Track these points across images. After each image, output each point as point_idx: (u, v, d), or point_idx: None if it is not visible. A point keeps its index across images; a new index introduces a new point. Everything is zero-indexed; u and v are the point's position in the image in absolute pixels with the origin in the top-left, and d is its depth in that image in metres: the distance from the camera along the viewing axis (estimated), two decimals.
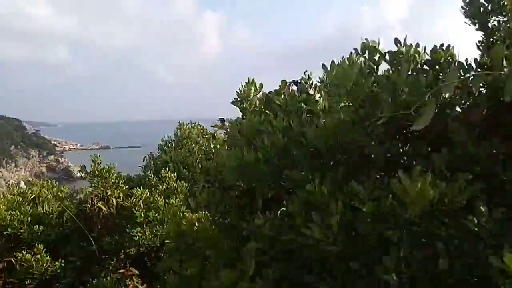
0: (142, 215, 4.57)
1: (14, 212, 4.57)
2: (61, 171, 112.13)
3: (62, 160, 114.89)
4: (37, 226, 4.60)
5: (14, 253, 4.32)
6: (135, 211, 4.59)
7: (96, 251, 4.57)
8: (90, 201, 4.69)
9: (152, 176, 5.32)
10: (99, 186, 4.80)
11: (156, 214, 4.62)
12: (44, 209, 4.86)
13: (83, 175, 5.05)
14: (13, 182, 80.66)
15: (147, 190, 4.87)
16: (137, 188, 4.86)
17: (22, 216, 4.58)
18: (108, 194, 4.72)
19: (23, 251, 4.25)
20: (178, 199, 4.82)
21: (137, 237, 4.47)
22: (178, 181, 5.17)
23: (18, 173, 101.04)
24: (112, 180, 4.84)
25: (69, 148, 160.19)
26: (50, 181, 5.80)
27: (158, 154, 6.59)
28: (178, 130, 6.75)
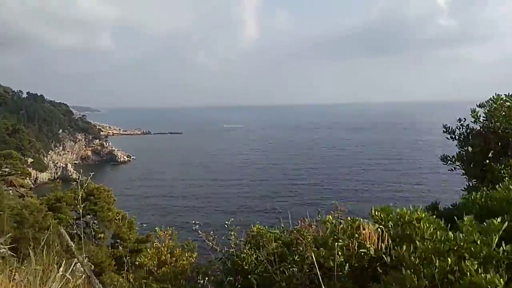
0: None
1: None
2: (105, 154, 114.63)
3: (106, 144, 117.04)
4: None
5: None
6: None
7: None
8: None
9: None
10: None
11: None
12: None
13: None
14: (61, 164, 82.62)
15: None
16: None
17: None
18: None
19: None
20: None
21: None
22: None
23: (66, 156, 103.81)
24: None
25: (113, 133, 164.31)
26: None
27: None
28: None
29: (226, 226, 3.46)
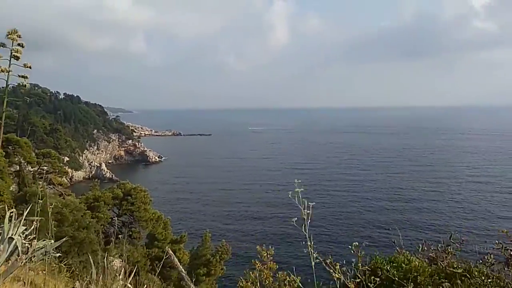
0: None
1: None
2: (137, 155, 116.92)
3: (139, 144, 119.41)
4: None
5: None
6: None
7: None
8: None
9: None
10: None
11: None
12: None
13: None
14: (96, 164, 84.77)
15: None
16: None
17: None
18: None
19: None
20: None
21: None
22: None
23: (100, 155, 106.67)
24: None
25: (145, 133, 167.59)
26: None
27: None
28: None
29: (351, 250, 2.91)
